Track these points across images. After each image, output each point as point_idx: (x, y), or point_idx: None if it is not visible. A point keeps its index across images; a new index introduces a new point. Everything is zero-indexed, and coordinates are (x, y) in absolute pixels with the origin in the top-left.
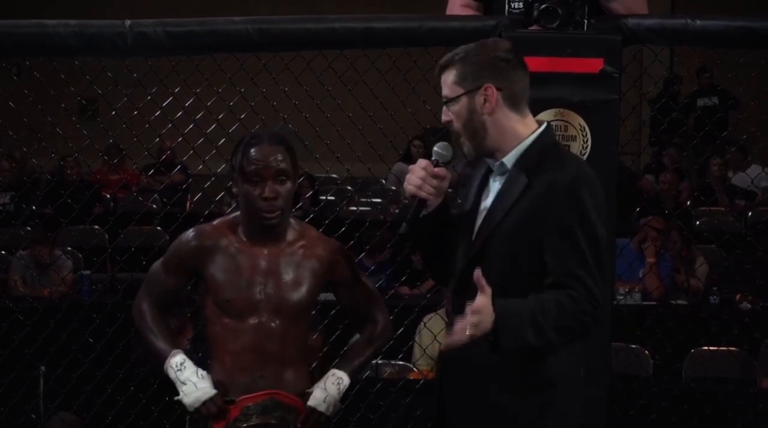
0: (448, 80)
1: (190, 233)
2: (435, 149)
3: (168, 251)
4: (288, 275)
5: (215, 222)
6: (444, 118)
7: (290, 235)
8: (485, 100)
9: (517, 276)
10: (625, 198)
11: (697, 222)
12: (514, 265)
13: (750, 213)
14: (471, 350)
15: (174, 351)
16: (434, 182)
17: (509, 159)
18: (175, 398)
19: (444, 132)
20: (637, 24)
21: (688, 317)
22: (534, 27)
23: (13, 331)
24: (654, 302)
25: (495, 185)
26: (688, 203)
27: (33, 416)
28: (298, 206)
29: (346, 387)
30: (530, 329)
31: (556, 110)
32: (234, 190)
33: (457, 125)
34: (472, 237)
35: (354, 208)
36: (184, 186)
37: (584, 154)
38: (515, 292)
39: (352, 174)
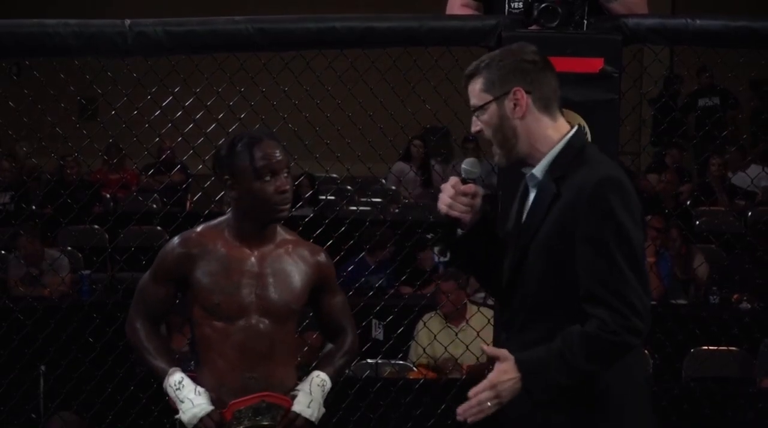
0: (476, 89)
1: (175, 241)
2: (463, 166)
3: (155, 262)
4: (276, 277)
5: (199, 228)
6: (474, 128)
7: (278, 237)
8: (515, 105)
9: (556, 289)
10: None
11: (697, 222)
12: (551, 278)
13: (750, 213)
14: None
15: (172, 370)
16: (465, 199)
17: (539, 169)
18: (175, 417)
19: (443, 131)
20: (637, 24)
21: (688, 317)
22: (534, 27)
23: (13, 331)
24: (654, 302)
25: (531, 197)
26: (688, 202)
27: (33, 416)
28: (298, 205)
29: (329, 389)
30: (557, 372)
31: None
32: (232, 194)
33: (487, 133)
34: (513, 255)
35: (354, 208)
36: (184, 186)
37: None
38: (556, 305)
39: (352, 174)
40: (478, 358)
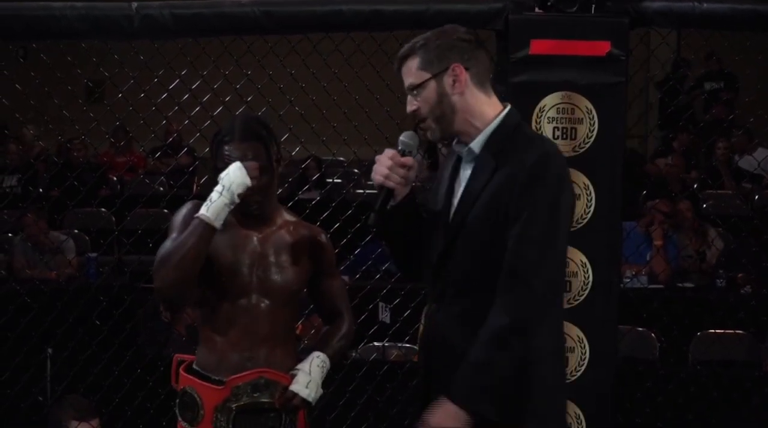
0: (412, 68)
1: (189, 204)
2: (401, 138)
3: (171, 223)
4: (277, 258)
5: None
6: (410, 107)
7: (279, 220)
8: (455, 81)
9: (493, 261)
10: (632, 181)
11: (704, 205)
12: (488, 251)
13: (756, 196)
14: (448, 336)
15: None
16: (402, 171)
17: (476, 144)
18: (219, 178)
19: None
20: (644, 7)
21: (695, 301)
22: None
23: (20, 314)
24: (661, 286)
25: (466, 173)
26: (695, 186)
27: (40, 398)
28: (304, 188)
29: (328, 370)
30: (483, 380)
31: (563, 92)
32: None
33: (424, 111)
34: (447, 226)
35: (361, 191)
36: (190, 169)
37: (591, 137)
38: (483, 279)
39: (358, 157)
40: None
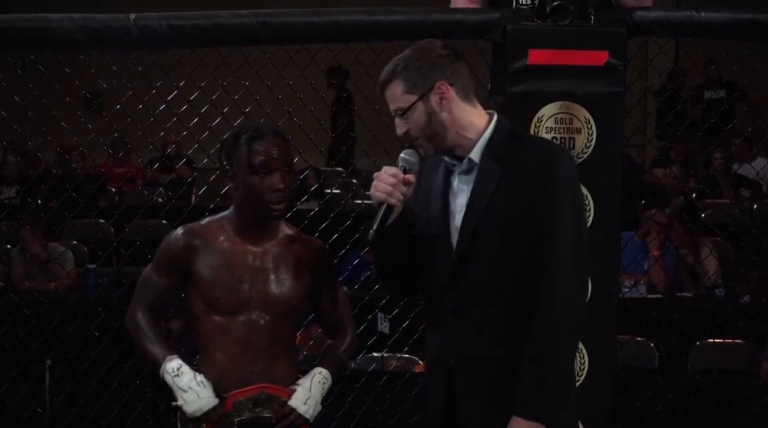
0: (397, 92)
1: (178, 231)
2: (402, 156)
3: (157, 253)
4: (277, 272)
5: (203, 221)
6: (399, 130)
7: (279, 233)
8: (441, 99)
9: (515, 267)
10: (630, 190)
11: (702, 215)
12: (508, 255)
13: (755, 205)
14: (474, 348)
15: (169, 357)
16: (404, 189)
17: (475, 154)
18: (173, 404)
19: None
20: (641, 16)
21: (694, 310)
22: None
23: (18, 325)
24: (659, 295)
25: (463, 183)
26: (693, 196)
27: (39, 410)
28: (303, 199)
29: (329, 386)
30: (555, 391)
31: (561, 102)
32: (231, 184)
33: (415, 132)
34: (450, 238)
35: (359, 201)
36: (189, 180)
37: (589, 146)
38: (512, 281)
39: (357, 167)
40: None
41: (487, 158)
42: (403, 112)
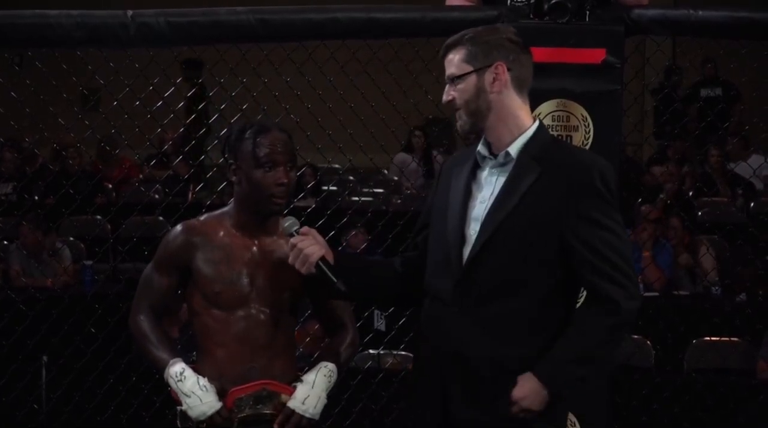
0: (456, 59)
1: (177, 229)
2: (286, 225)
3: (157, 251)
4: (277, 267)
5: (202, 217)
6: (445, 97)
7: (279, 228)
8: (495, 79)
9: (535, 262)
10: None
11: (699, 213)
12: (532, 251)
13: (752, 203)
14: (476, 340)
15: (173, 360)
16: (311, 240)
17: (514, 148)
18: (178, 408)
19: (445, 122)
20: (639, 15)
21: (690, 308)
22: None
23: (15, 321)
24: (656, 293)
25: (493, 176)
26: (690, 193)
27: (35, 406)
28: (300, 196)
29: (335, 380)
30: (579, 367)
31: (558, 100)
32: (233, 178)
33: (459, 103)
34: (469, 230)
35: (356, 198)
36: (186, 176)
37: (587, 145)
38: (527, 282)
39: (354, 164)
40: None
41: (526, 155)
42: (455, 79)
